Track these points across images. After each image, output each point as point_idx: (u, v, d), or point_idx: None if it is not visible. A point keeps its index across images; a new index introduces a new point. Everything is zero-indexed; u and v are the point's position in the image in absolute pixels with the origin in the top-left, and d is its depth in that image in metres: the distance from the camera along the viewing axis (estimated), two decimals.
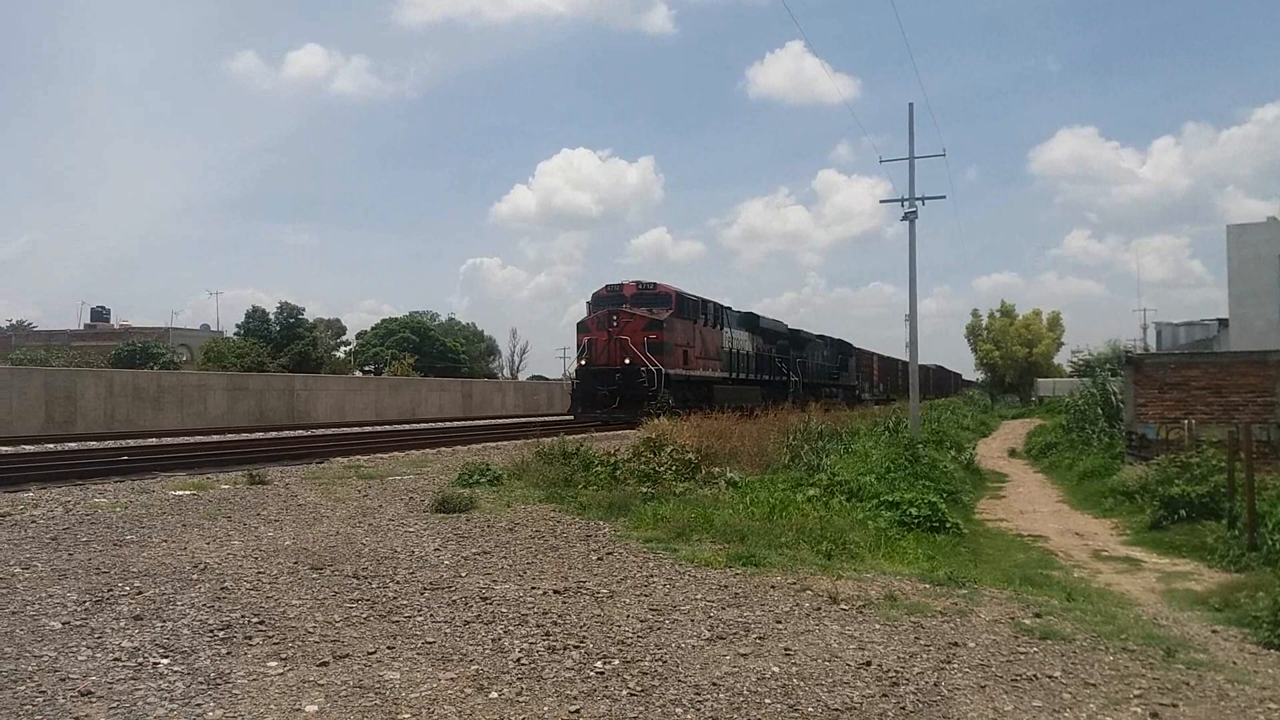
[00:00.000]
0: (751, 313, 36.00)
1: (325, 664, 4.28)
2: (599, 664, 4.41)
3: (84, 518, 8.19)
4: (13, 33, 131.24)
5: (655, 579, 6.28)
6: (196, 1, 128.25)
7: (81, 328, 66.51)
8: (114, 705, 3.69)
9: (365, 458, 14.90)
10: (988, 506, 16.44)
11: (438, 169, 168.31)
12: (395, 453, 16.10)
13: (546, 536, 7.82)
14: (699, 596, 5.83)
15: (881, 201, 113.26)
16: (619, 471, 11.17)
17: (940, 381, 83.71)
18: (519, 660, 4.43)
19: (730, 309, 33.35)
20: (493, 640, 4.73)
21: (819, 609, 5.67)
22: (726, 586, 6.14)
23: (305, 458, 14.42)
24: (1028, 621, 5.58)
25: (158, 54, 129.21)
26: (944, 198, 27.48)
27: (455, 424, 29.59)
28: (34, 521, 7.94)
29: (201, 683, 3.97)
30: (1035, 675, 4.50)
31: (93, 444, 17.62)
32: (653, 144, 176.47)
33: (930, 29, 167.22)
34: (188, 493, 10.00)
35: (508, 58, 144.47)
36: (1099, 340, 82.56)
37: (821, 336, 47.89)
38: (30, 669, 4.05)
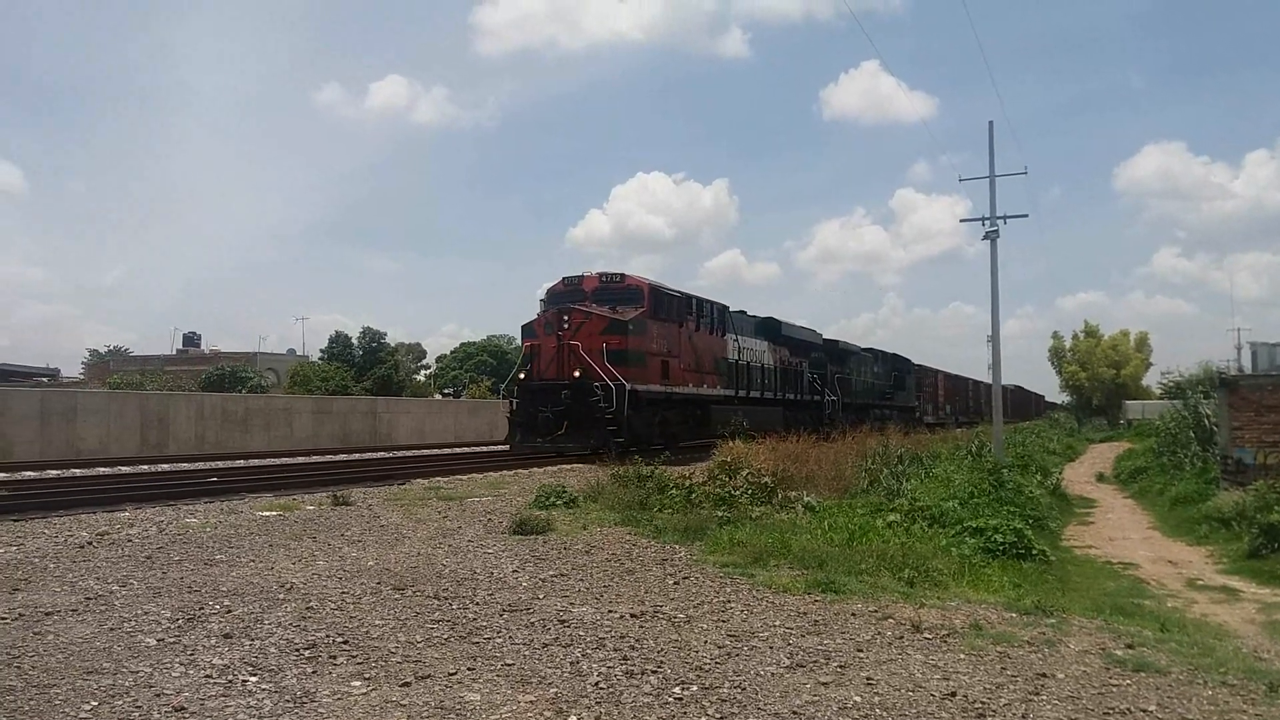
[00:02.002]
0: (771, 318, 30.17)
1: (407, 684, 4.34)
2: (677, 689, 4.39)
3: (176, 537, 8.46)
4: (117, 67, 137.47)
5: (732, 604, 6.23)
6: (287, 35, 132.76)
7: (174, 353, 68.97)
8: None
9: (445, 479, 15.12)
10: (1075, 533, 15.96)
11: (514, 195, 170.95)
12: (474, 474, 16.30)
13: (622, 559, 7.82)
14: (777, 623, 5.76)
15: (961, 221, 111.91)
16: (694, 495, 11.14)
17: (1020, 403, 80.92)
18: (597, 684, 4.43)
19: (743, 314, 27.87)
20: (571, 663, 4.74)
21: (901, 638, 5.56)
22: (805, 613, 6.06)
23: (387, 479, 14.69)
24: (1119, 653, 5.39)
25: (250, 85, 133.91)
26: (1026, 216, 27.30)
27: None
28: (130, 540, 8.23)
29: (288, 701, 4.06)
30: (1129, 709, 4.34)
31: (184, 465, 18.22)
32: (727, 166, 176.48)
33: (1009, 44, 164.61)
34: (274, 513, 10.26)
35: (583, 85, 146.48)
36: (1189, 361, 79.17)
37: (871, 350, 42.16)
38: (127, 684, 4.19)
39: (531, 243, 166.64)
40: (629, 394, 19.11)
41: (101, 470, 16.61)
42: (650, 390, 20.47)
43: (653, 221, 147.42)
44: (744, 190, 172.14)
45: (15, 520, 9.35)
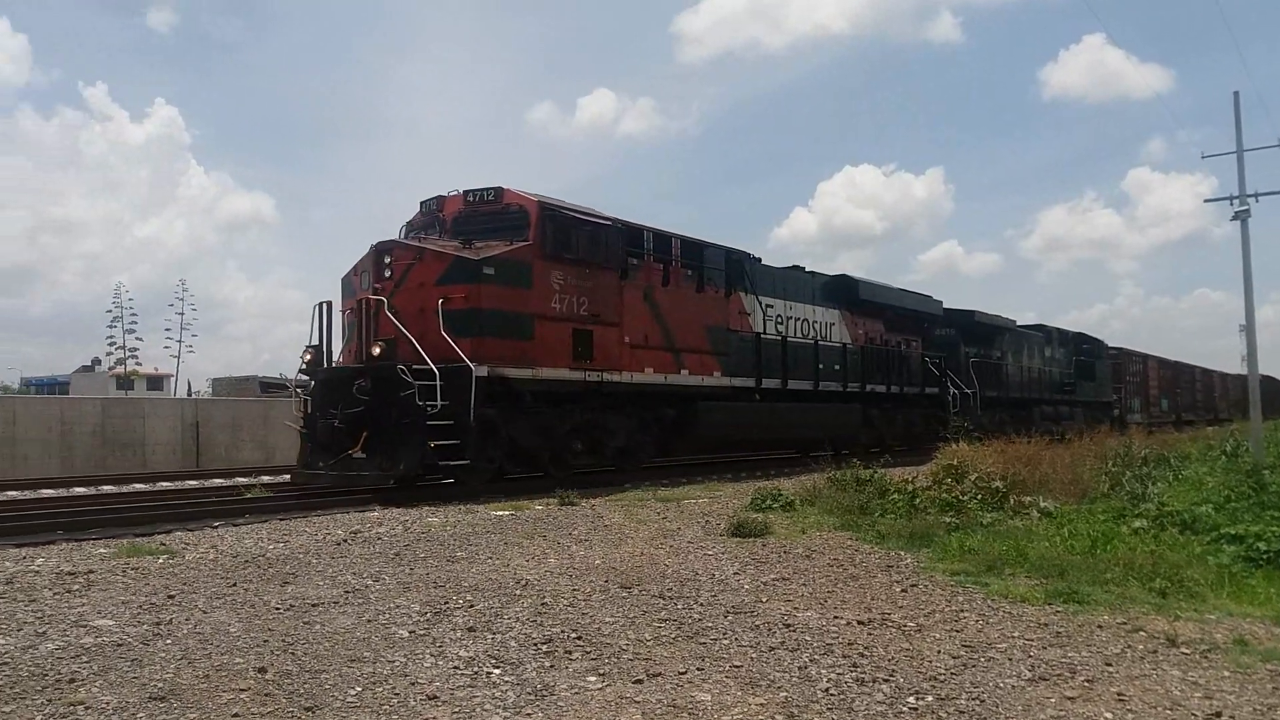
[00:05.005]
0: (845, 276, 21.89)
1: (640, 681, 4.45)
2: (911, 699, 4.27)
3: (420, 535, 9.07)
4: (349, 100, 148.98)
5: (965, 614, 6.00)
6: (503, 61, 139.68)
7: None
8: (456, 710, 4.03)
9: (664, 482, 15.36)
10: None
11: (719, 198, 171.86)
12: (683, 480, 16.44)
13: (845, 565, 7.69)
14: (1016, 634, 5.50)
15: (1206, 201, 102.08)
16: (918, 500, 10.80)
17: (1273, 395, 71.82)
18: (827, 690, 4.38)
19: (799, 269, 20.87)
20: (799, 668, 4.72)
21: (1155, 652, 5.18)
22: (1046, 624, 5.75)
23: (606, 486, 15.01)
24: None
25: (470, 110, 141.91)
26: None
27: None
28: (379, 538, 8.89)
29: (529, 693, 4.26)
30: None
31: None
32: (941, 155, 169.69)
33: (1254, 6, 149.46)
34: (507, 513, 10.80)
35: (786, 82, 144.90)
36: None
37: (1040, 327, 32.65)
38: (385, 672, 4.52)
39: (736, 244, 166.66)
40: (480, 381, 12.07)
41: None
42: (541, 377, 13.21)
43: (862, 216, 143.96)
44: (959, 178, 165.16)
45: (281, 519, 10.31)
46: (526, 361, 13.00)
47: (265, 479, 14.91)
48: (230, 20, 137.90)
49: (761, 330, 18.10)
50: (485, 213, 13.74)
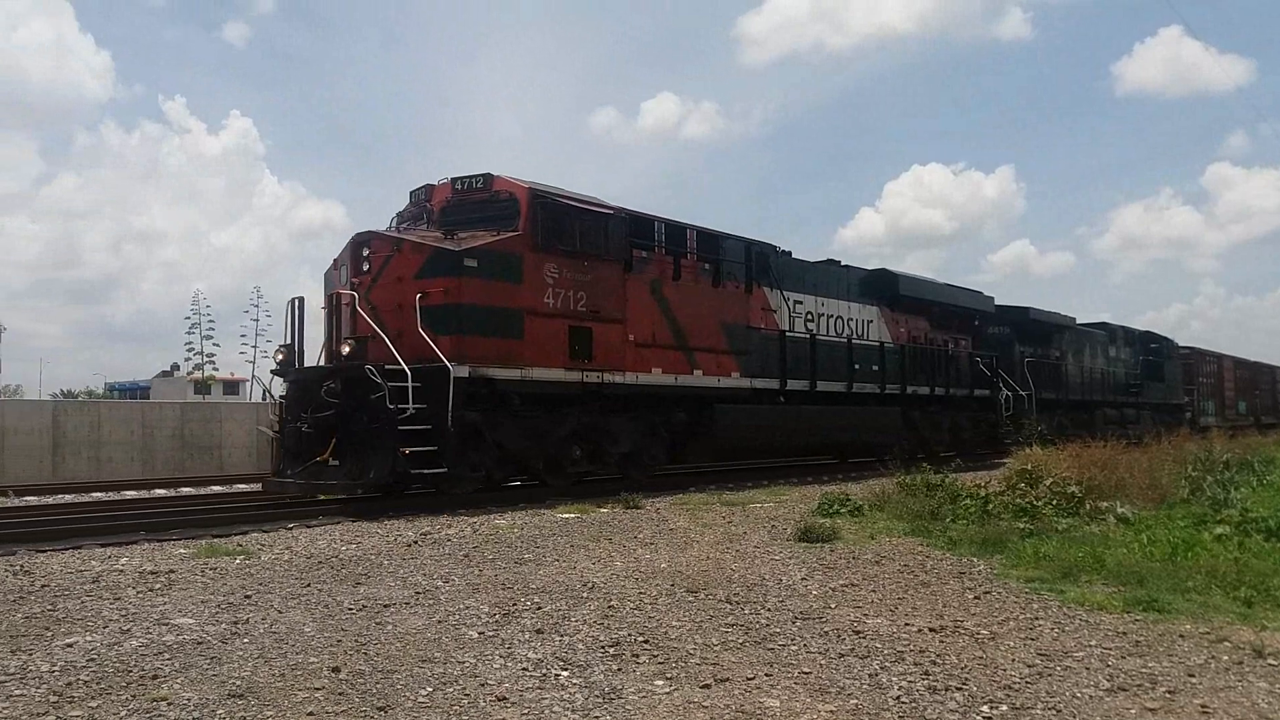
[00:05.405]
0: (884, 270, 20.96)
1: (707, 686, 4.43)
2: (985, 708, 4.18)
3: (488, 537, 9.17)
4: (415, 108, 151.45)
5: (1041, 621, 5.86)
6: (567, 67, 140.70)
7: None
8: (525, 712, 4.06)
9: (730, 485, 15.30)
10: None
11: (783, 200, 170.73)
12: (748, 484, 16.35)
13: (916, 571, 7.57)
14: (1093, 643, 5.35)
15: None
16: (991, 505, 10.59)
17: None
18: (899, 698, 4.31)
19: (834, 263, 19.57)
20: (869, 675, 4.65)
21: (1240, 663, 5.00)
22: (1125, 633, 5.59)
23: (671, 490, 14.94)
24: None
25: (534, 116, 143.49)
26: None
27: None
28: (449, 540, 9.00)
29: (598, 696, 4.26)
30: None
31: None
32: (1011, 153, 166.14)
33: None
34: (572, 516, 10.87)
35: (851, 83, 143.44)
36: None
37: (1104, 326, 31.11)
38: (456, 673, 4.57)
39: (802, 246, 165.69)
40: (461, 382, 11.21)
41: None
42: (532, 378, 12.30)
43: (930, 216, 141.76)
44: (1031, 177, 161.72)
45: (353, 521, 10.50)
46: (515, 361, 12.11)
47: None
48: (301, 32, 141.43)
49: (788, 328, 16.98)
50: (474, 201, 12.91)
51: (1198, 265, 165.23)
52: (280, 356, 12.71)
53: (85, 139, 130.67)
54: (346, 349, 11.59)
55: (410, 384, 10.73)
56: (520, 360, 12.16)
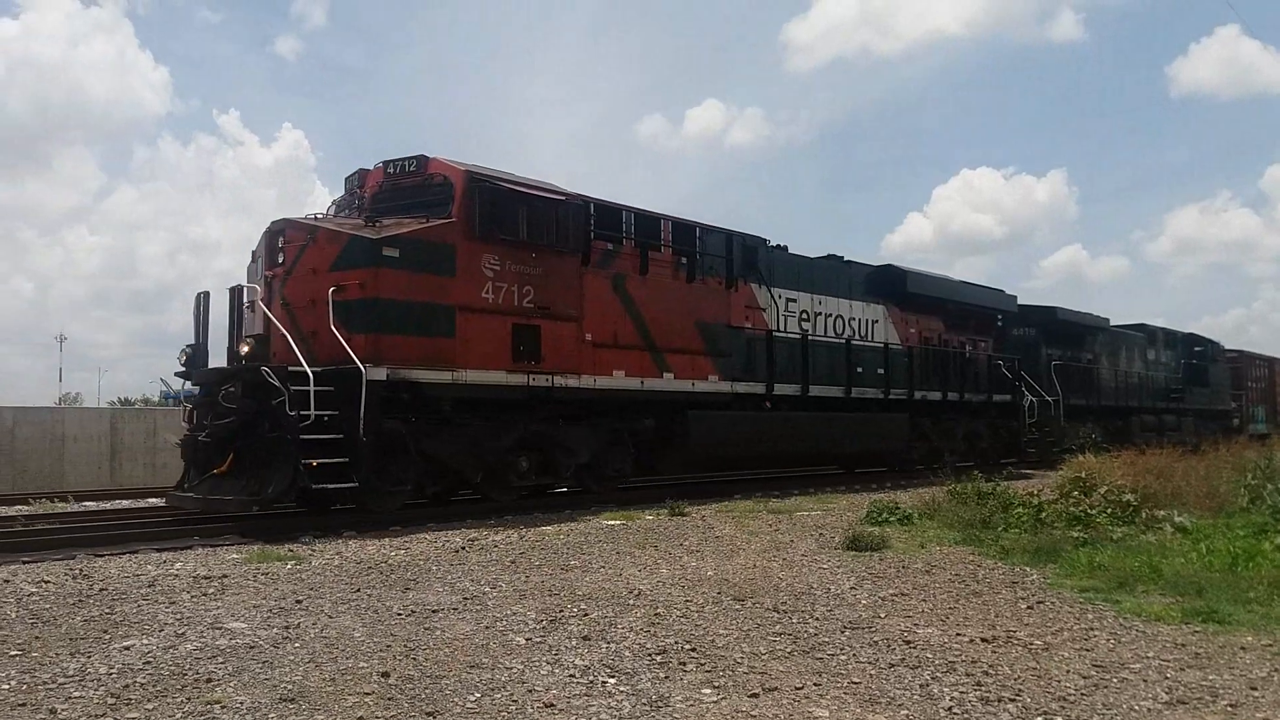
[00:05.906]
0: (890, 266, 19.56)
1: (755, 695, 4.40)
2: None
3: (534, 543, 9.20)
4: (462, 118, 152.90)
5: (1096, 632, 5.74)
6: (612, 76, 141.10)
7: None
8: (572, 718, 4.06)
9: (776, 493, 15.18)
10: None
11: (830, 206, 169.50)
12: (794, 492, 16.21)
13: (967, 581, 7.46)
14: (1150, 654, 5.23)
15: None
16: (1044, 514, 10.41)
17: None
18: (950, 709, 4.24)
19: (836, 259, 18.15)
20: (920, 686, 4.59)
21: None
22: (1183, 645, 5.45)
23: (717, 496, 14.86)
24: None
25: (580, 125, 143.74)
26: None
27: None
28: (495, 546, 9.05)
29: (645, 704, 4.25)
30: None
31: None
32: (1064, 156, 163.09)
33: None
34: (618, 523, 10.87)
35: (899, 88, 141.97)
36: None
37: (1142, 327, 29.50)
38: (503, 679, 4.58)
39: (849, 252, 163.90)
40: (376, 386, 10.13)
41: None
42: (466, 381, 11.09)
43: (980, 220, 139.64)
44: (1084, 180, 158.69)
45: (402, 527, 10.58)
46: (445, 363, 10.87)
47: None
48: (352, 45, 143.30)
49: (777, 327, 15.67)
50: (407, 186, 11.76)
51: (1256, 269, 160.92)
52: (183, 358, 11.42)
53: (143, 152, 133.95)
54: (245, 349, 10.55)
55: (313, 388, 9.69)
56: (452, 361, 10.94)
